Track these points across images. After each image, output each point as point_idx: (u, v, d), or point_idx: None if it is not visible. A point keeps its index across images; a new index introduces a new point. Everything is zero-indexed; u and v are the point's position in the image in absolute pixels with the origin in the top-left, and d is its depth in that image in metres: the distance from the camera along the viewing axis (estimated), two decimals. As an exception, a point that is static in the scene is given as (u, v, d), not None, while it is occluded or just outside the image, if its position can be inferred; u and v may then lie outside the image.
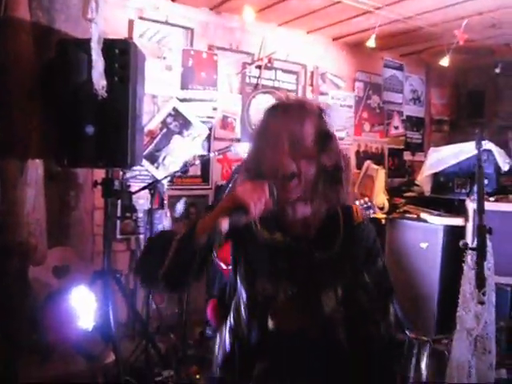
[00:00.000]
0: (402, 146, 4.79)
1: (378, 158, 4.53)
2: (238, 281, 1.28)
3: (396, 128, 4.73)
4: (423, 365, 1.71)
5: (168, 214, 3.05)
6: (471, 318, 1.42)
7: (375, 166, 4.02)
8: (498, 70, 4.08)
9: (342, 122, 4.28)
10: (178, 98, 3.32)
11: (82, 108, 2.24)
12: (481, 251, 1.46)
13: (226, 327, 1.30)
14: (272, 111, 1.26)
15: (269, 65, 3.77)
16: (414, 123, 4.91)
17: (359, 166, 4.35)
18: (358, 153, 4.44)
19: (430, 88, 5.05)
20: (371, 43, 3.34)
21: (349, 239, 1.26)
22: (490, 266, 1.49)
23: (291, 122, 1.20)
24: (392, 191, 4.14)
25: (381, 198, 3.86)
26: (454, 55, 4.29)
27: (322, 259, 1.22)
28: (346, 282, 1.22)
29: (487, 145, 3.51)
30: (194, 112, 3.40)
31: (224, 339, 1.30)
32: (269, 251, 1.24)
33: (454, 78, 5.03)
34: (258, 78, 3.74)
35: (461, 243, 1.69)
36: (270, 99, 3.80)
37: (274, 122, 1.23)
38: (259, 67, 3.73)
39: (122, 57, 2.31)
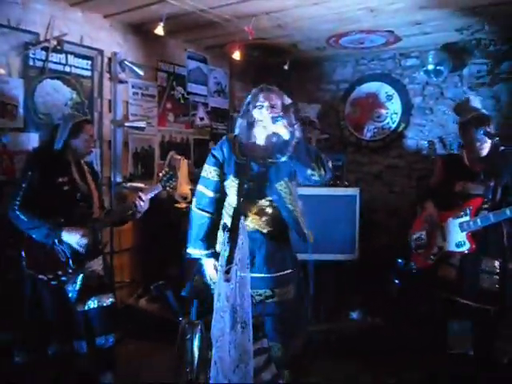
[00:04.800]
0: (207, 137, 4.93)
1: (183, 149, 4.58)
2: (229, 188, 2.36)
3: (201, 119, 4.84)
4: (195, 346, 1.77)
5: None
6: (223, 296, 1.50)
7: (178, 156, 4.05)
8: (286, 67, 4.47)
9: (144, 111, 4.21)
10: None
11: None
12: (233, 232, 1.55)
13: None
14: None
15: (58, 47, 3.46)
16: (219, 114, 5.08)
17: (164, 157, 4.34)
18: (162, 143, 4.41)
19: (234, 81, 5.30)
20: (159, 31, 3.31)
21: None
22: (244, 246, 1.59)
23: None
24: (197, 181, 4.22)
25: (184, 187, 3.90)
26: (253, 51, 4.57)
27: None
28: None
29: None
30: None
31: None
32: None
33: (254, 72, 5.37)
34: (45, 61, 3.39)
35: (221, 225, 1.78)
36: (59, 85, 3.50)
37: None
38: (46, 49, 3.39)
39: None
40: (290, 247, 2.45)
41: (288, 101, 2.36)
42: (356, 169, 4.90)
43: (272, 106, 2.28)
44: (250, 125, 2.31)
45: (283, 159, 2.30)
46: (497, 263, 2.84)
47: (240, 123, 2.39)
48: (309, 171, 2.25)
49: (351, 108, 5.00)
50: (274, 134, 2.29)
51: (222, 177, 2.38)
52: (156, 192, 2.93)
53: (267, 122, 2.26)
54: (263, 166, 2.33)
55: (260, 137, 2.35)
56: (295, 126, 2.28)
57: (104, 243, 3.10)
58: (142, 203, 2.80)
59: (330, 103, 5.13)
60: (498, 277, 2.83)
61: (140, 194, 2.83)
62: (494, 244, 2.87)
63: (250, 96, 2.40)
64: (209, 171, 2.42)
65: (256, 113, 2.30)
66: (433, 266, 3.07)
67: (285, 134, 2.23)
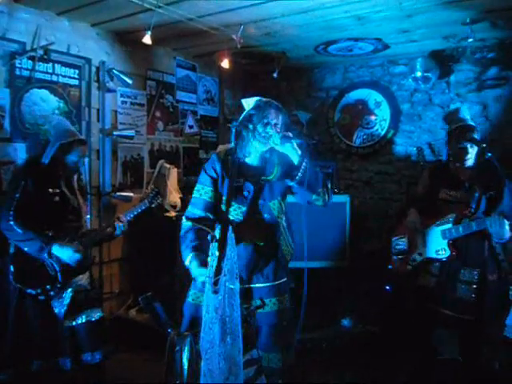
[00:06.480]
0: (197, 145, 4.91)
1: (173, 157, 4.56)
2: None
3: (191, 127, 4.82)
4: (184, 358, 1.74)
5: None
6: (212, 308, 1.49)
7: (167, 165, 4.03)
8: (275, 75, 4.47)
9: (132, 120, 4.18)
10: None
11: None
12: (221, 243, 1.54)
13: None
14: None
15: (45, 57, 3.44)
16: (208, 122, 5.08)
17: (153, 166, 4.31)
18: (151, 152, 4.38)
19: (223, 89, 5.29)
20: (147, 40, 3.31)
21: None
22: (234, 256, 1.58)
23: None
24: (187, 189, 4.20)
25: (173, 196, 3.88)
26: (242, 59, 4.57)
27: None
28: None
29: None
30: None
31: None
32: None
33: (244, 80, 5.37)
34: (32, 70, 3.37)
35: (209, 236, 1.78)
36: (46, 94, 3.47)
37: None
38: (33, 58, 3.37)
39: None
40: (285, 258, 2.44)
41: (287, 120, 2.27)
42: (346, 175, 4.91)
43: (275, 124, 2.19)
44: (251, 139, 2.19)
45: (275, 178, 2.25)
46: (476, 273, 2.83)
47: (236, 134, 2.25)
48: (314, 197, 2.19)
49: (341, 115, 5.01)
50: (272, 150, 2.20)
51: (217, 196, 2.26)
52: (143, 209, 2.96)
53: (276, 141, 2.13)
54: (257, 185, 2.24)
55: (256, 153, 2.26)
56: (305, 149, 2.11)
57: (93, 257, 3.07)
58: (120, 224, 2.81)
59: (320, 110, 5.15)
60: (475, 286, 2.81)
61: (119, 215, 2.85)
62: (474, 254, 2.86)
63: (252, 107, 2.24)
64: (204, 191, 2.29)
65: (261, 128, 2.18)
66: (413, 274, 3.05)
67: (295, 158, 2.10)
